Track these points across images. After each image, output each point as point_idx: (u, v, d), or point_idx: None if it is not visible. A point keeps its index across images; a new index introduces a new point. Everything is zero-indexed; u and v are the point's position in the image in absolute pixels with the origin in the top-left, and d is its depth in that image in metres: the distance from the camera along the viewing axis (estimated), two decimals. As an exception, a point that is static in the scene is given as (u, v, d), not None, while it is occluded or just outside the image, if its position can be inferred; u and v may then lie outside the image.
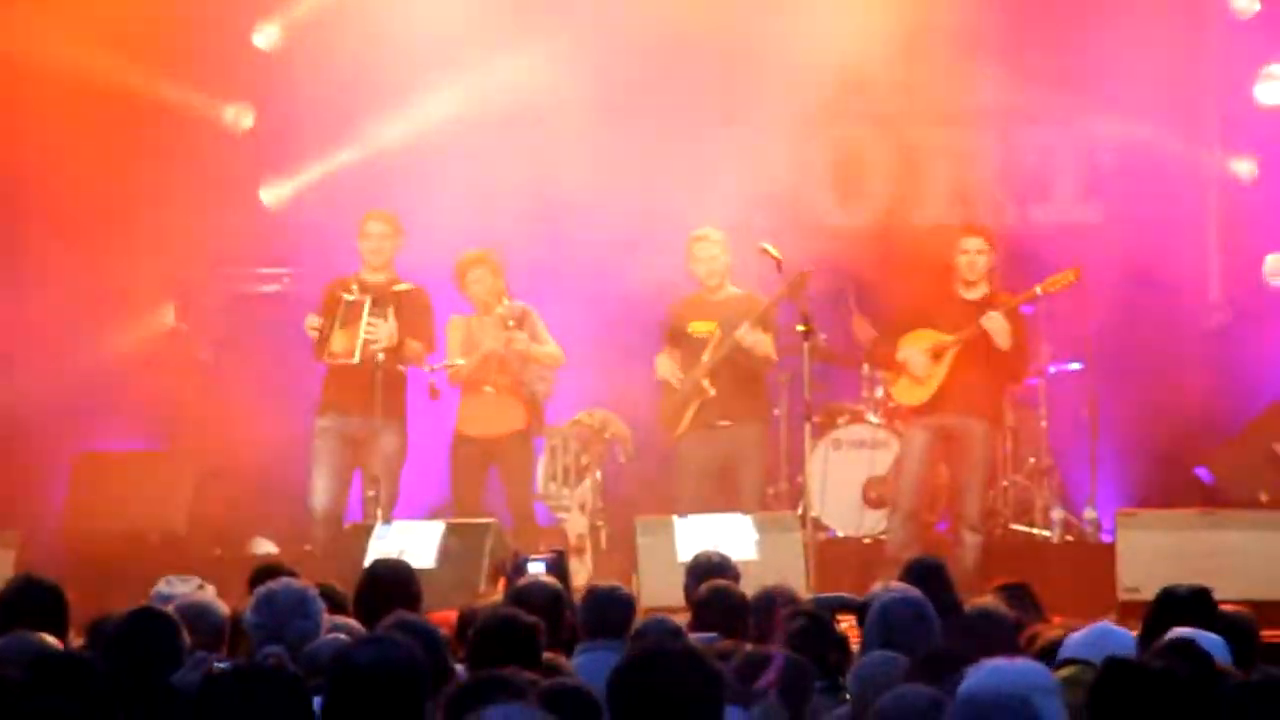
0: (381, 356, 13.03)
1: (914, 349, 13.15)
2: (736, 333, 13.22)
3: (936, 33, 15.99)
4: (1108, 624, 8.02)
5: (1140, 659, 5.91)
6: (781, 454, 14.58)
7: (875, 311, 14.35)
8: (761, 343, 13.31)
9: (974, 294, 13.21)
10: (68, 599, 8.14)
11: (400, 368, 13.23)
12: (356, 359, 13.05)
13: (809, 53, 15.80)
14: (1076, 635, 7.48)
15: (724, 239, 13.58)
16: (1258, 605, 11.16)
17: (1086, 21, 15.54)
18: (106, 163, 15.34)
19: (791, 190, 16.23)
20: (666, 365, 13.53)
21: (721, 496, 13.46)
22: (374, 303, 13.07)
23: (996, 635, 7.69)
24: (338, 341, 13.13)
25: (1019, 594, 9.29)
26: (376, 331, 13.02)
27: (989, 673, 5.81)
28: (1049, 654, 7.08)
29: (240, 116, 16.17)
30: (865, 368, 14.62)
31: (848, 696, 6.65)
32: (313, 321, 13.25)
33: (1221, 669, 6.73)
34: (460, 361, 13.43)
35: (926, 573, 9.20)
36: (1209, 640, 7.23)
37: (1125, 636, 7.61)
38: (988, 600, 8.39)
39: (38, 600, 7.99)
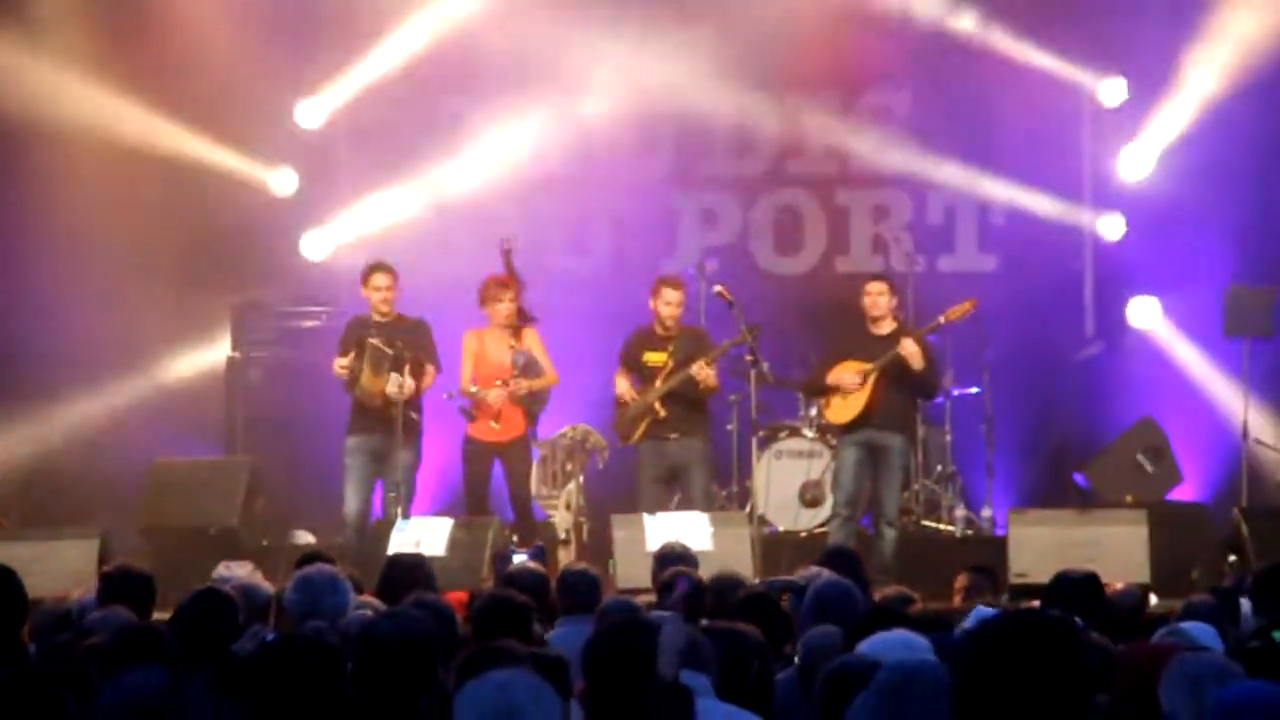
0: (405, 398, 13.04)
1: (846, 373, 13.18)
2: (692, 368, 13.23)
3: (862, 111, 16.10)
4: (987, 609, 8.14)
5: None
6: (733, 463, 14.59)
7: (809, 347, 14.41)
8: (709, 377, 13.33)
9: (883, 330, 13.21)
10: (155, 589, 8.20)
11: (416, 401, 13.25)
12: (379, 403, 13.07)
13: (753, 127, 15.88)
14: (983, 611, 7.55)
15: (685, 287, 13.61)
16: (1123, 587, 11.31)
17: (984, 106, 15.64)
18: (175, 217, 15.40)
19: (739, 242, 16.30)
20: (623, 385, 13.53)
21: (672, 497, 13.52)
22: (395, 360, 13.04)
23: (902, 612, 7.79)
24: (369, 383, 13.07)
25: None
26: (400, 387, 12.99)
27: (883, 644, 5.87)
28: (937, 623, 7.12)
29: (285, 181, 16.20)
30: (800, 395, 14.64)
31: (796, 661, 6.67)
32: (340, 363, 13.24)
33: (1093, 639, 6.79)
34: (474, 389, 13.39)
35: (841, 557, 9.33)
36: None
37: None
38: (900, 587, 8.49)
39: (132, 585, 8.04)
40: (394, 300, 13.32)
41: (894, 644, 5.86)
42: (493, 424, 13.36)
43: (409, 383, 12.99)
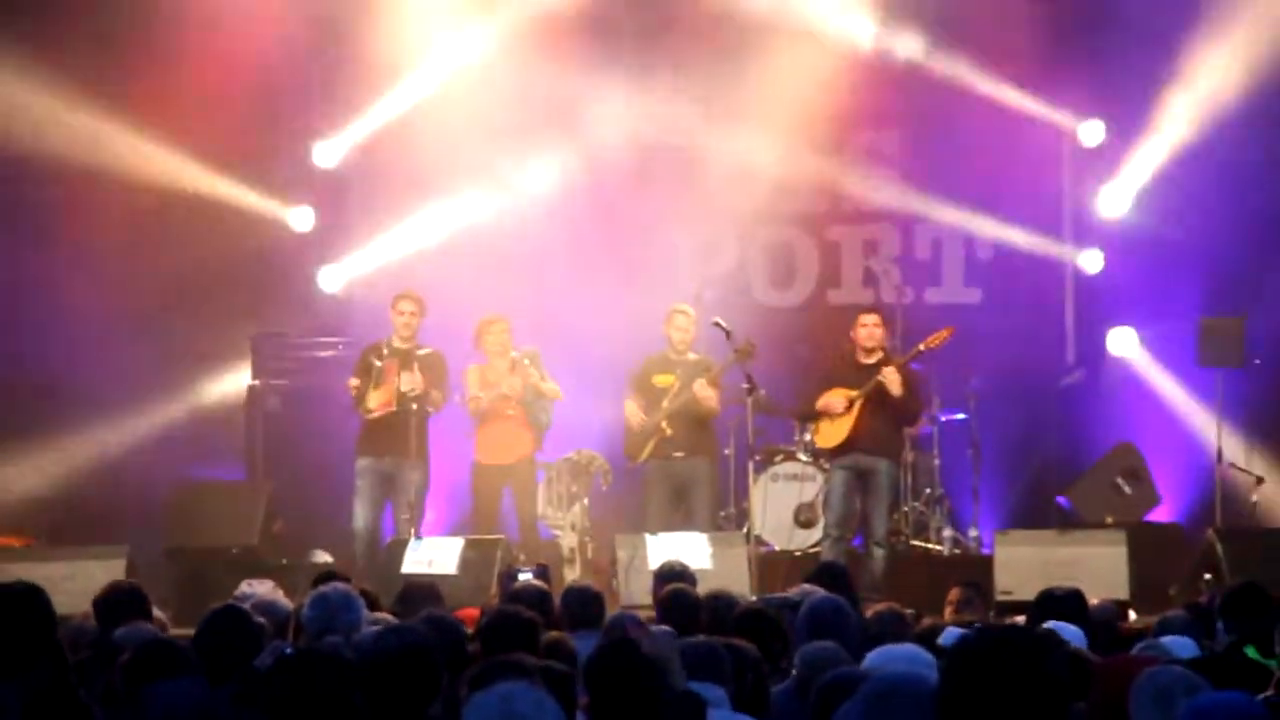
0: (414, 406, 13.11)
1: (833, 399, 13.20)
2: (694, 385, 13.31)
3: (853, 151, 16.12)
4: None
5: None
6: (730, 485, 14.61)
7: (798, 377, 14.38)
8: (710, 397, 13.39)
9: (871, 360, 13.23)
10: (147, 596, 8.19)
11: (427, 413, 13.28)
12: (395, 408, 13.13)
13: (749, 166, 15.89)
14: (954, 630, 7.55)
15: (695, 315, 13.68)
16: (1103, 604, 11.28)
17: (969, 147, 15.65)
18: (199, 252, 15.41)
19: (736, 275, 16.30)
20: (631, 409, 13.59)
21: (679, 515, 13.50)
22: (402, 363, 13.14)
23: (899, 627, 7.77)
24: (373, 399, 13.19)
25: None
26: (409, 382, 13.10)
27: (888, 656, 5.86)
28: (930, 637, 7.13)
29: (303, 218, 16.25)
30: (795, 421, 14.64)
31: (793, 672, 6.67)
32: (353, 382, 13.34)
33: (1076, 652, 6.79)
34: (480, 394, 13.51)
35: (832, 574, 9.31)
36: (1072, 632, 7.31)
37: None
38: (891, 603, 8.47)
39: (126, 599, 8.03)
40: (416, 327, 13.44)
41: (899, 657, 5.86)
42: (509, 411, 13.51)
43: (417, 377, 13.05)
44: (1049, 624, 7.44)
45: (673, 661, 5.59)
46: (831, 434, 13.24)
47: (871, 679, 5.13)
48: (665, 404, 13.46)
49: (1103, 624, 8.24)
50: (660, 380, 13.59)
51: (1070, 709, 4.53)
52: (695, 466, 13.50)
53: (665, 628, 7.35)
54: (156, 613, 8.21)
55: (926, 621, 8.18)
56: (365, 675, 5.48)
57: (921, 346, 13.32)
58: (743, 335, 13.36)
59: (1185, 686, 5.07)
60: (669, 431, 13.43)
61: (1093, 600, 9.27)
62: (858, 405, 13.09)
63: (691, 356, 13.66)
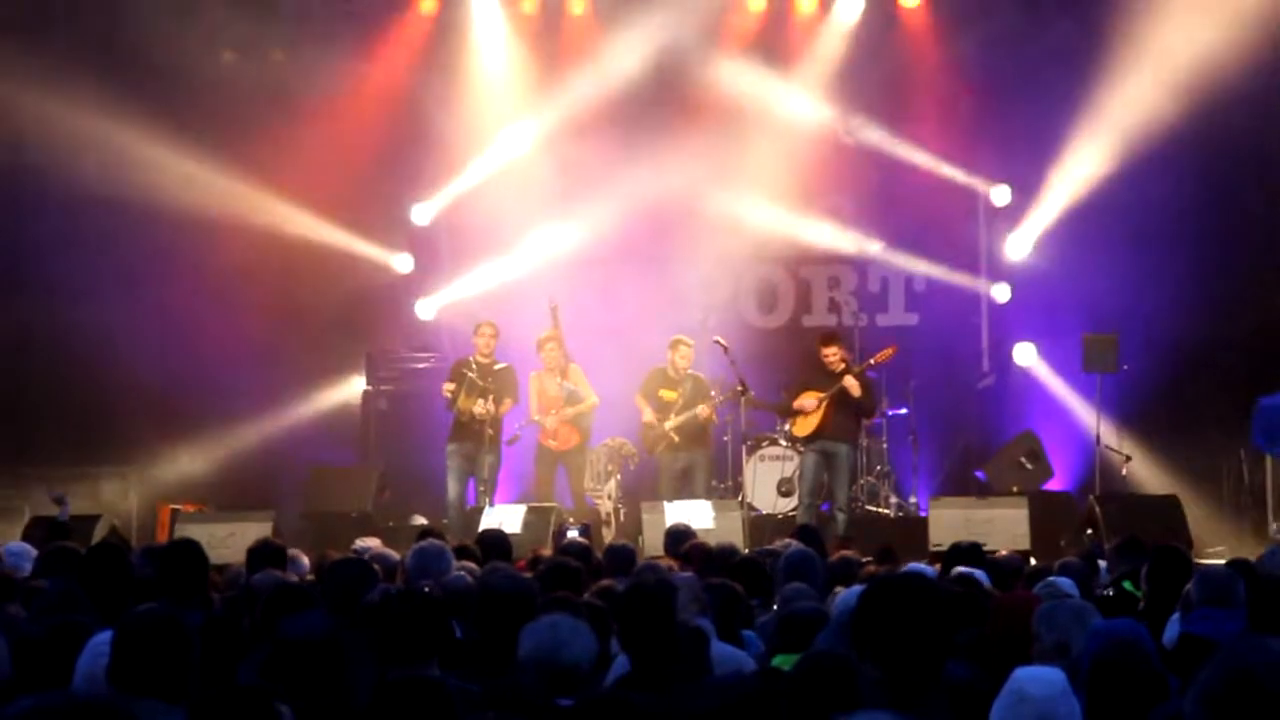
0: (487, 419, 13.12)
1: (807, 399, 13.23)
2: (698, 409, 13.38)
3: (819, 210, 16.10)
4: (920, 565, 8.11)
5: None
6: (728, 464, 14.62)
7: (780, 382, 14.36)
8: (711, 415, 13.58)
9: (835, 370, 13.27)
10: (285, 551, 8.23)
11: (500, 418, 13.31)
12: (468, 419, 13.14)
13: (741, 220, 15.89)
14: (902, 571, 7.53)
15: (695, 344, 13.66)
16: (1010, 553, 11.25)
17: (908, 205, 15.66)
18: (326, 289, 15.47)
19: (731, 303, 16.29)
20: (649, 413, 13.62)
21: (684, 491, 13.49)
22: (483, 391, 13.13)
23: (852, 572, 7.76)
24: (464, 403, 13.21)
25: (888, 551, 9.45)
26: (481, 408, 13.08)
27: (849, 595, 5.87)
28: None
29: (404, 262, 16.30)
30: (776, 415, 14.64)
31: (774, 608, 6.66)
32: (447, 387, 13.37)
33: (985, 589, 6.78)
34: (536, 418, 13.56)
35: (805, 532, 9.32)
36: (979, 574, 7.32)
37: (930, 571, 7.67)
38: (848, 551, 8.46)
39: (270, 553, 8.06)
40: (494, 348, 13.46)
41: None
42: (551, 442, 13.60)
43: (491, 407, 13.08)
44: (965, 569, 7.41)
45: (693, 602, 5.55)
46: (805, 425, 13.27)
47: (837, 611, 5.13)
48: (674, 416, 13.49)
49: (1011, 570, 8.21)
50: (666, 394, 13.62)
51: (967, 632, 4.54)
52: (695, 457, 13.59)
53: (688, 574, 7.35)
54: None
55: (871, 568, 8.15)
56: (475, 606, 5.42)
57: (873, 360, 13.42)
58: (735, 350, 13.46)
59: (1076, 613, 5.08)
60: (676, 439, 13.49)
61: (1003, 551, 9.27)
62: (825, 404, 13.12)
63: (690, 374, 13.66)
